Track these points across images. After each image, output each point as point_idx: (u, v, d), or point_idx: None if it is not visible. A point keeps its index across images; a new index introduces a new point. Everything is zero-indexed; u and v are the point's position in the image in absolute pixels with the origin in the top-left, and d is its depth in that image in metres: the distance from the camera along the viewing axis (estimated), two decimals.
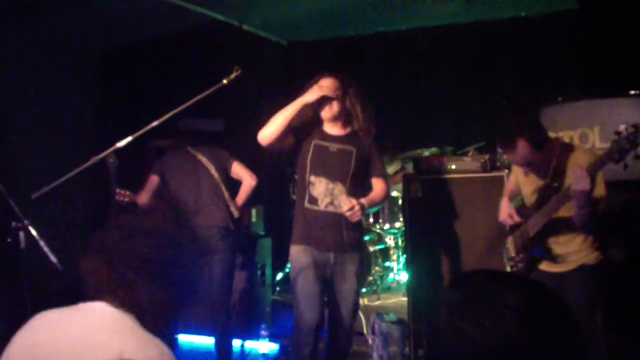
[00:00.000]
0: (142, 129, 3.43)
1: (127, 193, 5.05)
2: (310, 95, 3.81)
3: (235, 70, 3.60)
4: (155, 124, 3.44)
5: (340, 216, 3.81)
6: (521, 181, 3.83)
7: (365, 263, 5.92)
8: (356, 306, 4.07)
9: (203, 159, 5.10)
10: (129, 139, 3.38)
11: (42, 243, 3.76)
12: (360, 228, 4.06)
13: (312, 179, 3.88)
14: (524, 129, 3.40)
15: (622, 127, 3.15)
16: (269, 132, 3.80)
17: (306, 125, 3.94)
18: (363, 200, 3.81)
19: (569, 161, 3.51)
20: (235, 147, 7.35)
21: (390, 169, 6.89)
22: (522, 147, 3.38)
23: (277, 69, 7.80)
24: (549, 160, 3.56)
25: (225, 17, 6.65)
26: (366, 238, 6.33)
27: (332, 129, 3.96)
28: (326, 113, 3.89)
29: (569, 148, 3.58)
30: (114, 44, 6.83)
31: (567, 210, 3.52)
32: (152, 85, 6.71)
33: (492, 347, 1.34)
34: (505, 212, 3.85)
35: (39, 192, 3.45)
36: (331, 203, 3.84)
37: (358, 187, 3.96)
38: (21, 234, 3.81)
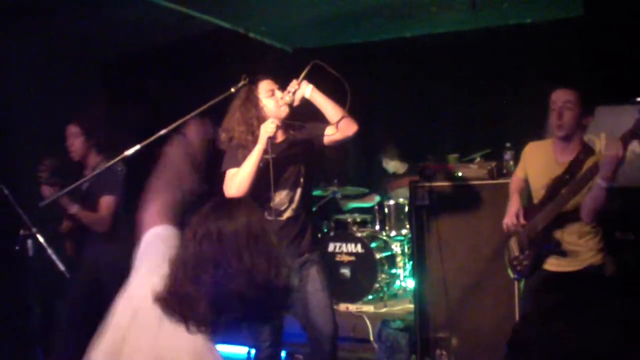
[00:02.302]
0: (149, 137, 3.44)
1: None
2: (261, 144, 3.62)
3: (243, 79, 3.61)
4: (163, 132, 3.44)
5: (295, 222, 3.79)
6: (533, 173, 3.83)
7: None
8: (327, 308, 3.79)
9: None
10: (137, 147, 3.38)
11: (49, 251, 3.78)
12: (312, 228, 3.94)
13: (269, 193, 3.72)
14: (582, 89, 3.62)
15: None
16: (236, 190, 3.65)
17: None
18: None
19: (587, 160, 3.55)
20: None
21: (394, 165, 6.90)
22: (574, 91, 3.57)
23: (282, 75, 7.80)
24: (571, 146, 3.62)
25: (230, 24, 6.67)
26: (372, 245, 6.32)
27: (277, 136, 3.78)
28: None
29: (589, 148, 3.64)
30: (121, 52, 6.86)
31: (575, 204, 3.54)
32: (158, 93, 6.72)
33: (592, 354, 1.26)
34: (513, 210, 3.83)
35: (47, 201, 3.46)
36: (291, 210, 3.79)
37: (311, 189, 4.03)
38: (29, 242, 3.84)
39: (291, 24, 6.83)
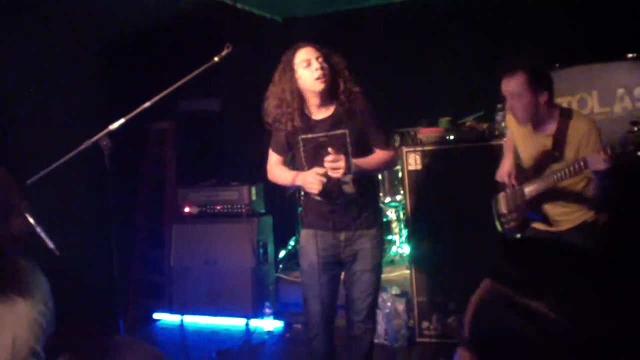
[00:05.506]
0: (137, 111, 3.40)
1: None
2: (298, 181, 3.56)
3: (226, 48, 3.53)
4: (147, 104, 3.40)
5: (350, 200, 3.54)
6: (519, 144, 3.78)
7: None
8: (372, 288, 3.65)
9: None
10: (122, 121, 3.35)
11: (39, 229, 3.75)
12: (374, 206, 3.76)
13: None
14: (527, 62, 3.48)
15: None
16: (276, 182, 3.82)
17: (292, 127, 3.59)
18: (356, 161, 3.44)
19: (569, 129, 3.46)
20: (232, 126, 7.34)
21: None
22: (520, 77, 3.42)
23: (273, 46, 7.74)
24: (546, 120, 3.53)
25: None
26: None
27: (317, 112, 3.57)
28: (315, 98, 3.53)
29: (567, 114, 3.53)
30: (109, 28, 6.78)
31: (566, 184, 3.51)
32: (148, 68, 6.66)
33: (576, 335, 1.15)
34: (506, 170, 3.79)
35: (34, 178, 3.43)
36: (341, 192, 3.51)
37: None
38: None
39: None
